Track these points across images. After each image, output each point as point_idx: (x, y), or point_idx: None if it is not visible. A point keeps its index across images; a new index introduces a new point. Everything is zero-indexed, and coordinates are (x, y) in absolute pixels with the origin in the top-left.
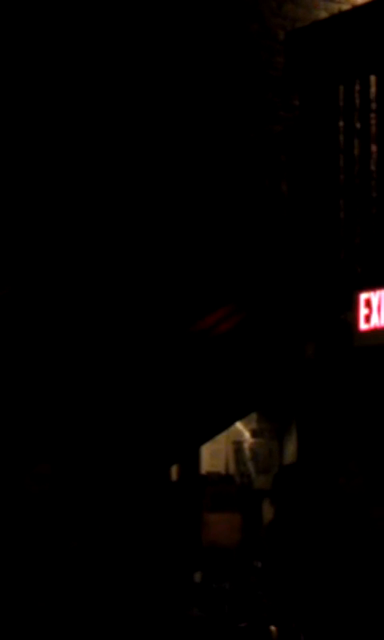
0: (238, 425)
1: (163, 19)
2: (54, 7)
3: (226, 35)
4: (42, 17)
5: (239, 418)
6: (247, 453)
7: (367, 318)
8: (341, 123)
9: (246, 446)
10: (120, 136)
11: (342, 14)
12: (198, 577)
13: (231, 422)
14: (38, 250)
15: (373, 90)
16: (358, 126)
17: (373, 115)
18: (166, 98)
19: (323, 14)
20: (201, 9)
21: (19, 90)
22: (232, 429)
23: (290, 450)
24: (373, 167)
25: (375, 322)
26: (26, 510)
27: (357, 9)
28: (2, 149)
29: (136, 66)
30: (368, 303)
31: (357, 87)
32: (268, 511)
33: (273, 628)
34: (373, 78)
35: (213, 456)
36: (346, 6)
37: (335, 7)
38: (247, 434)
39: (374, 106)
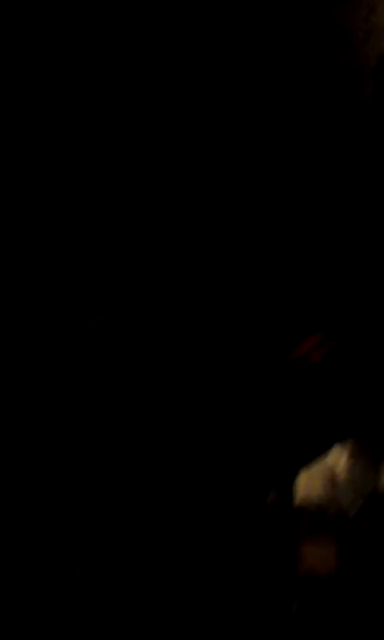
0: (334, 452)
1: (256, 54)
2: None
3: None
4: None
5: (334, 443)
6: (343, 480)
7: None
8: None
9: (341, 472)
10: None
11: None
12: (295, 606)
13: (327, 448)
14: (132, 278)
15: None
16: None
17: None
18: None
19: None
20: (287, 40)
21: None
22: (327, 456)
23: None
24: None
25: None
26: None
27: None
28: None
29: (223, 110)
30: None
31: None
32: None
33: None
34: None
35: (308, 484)
36: None
37: None
38: (343, 461)
39: None
